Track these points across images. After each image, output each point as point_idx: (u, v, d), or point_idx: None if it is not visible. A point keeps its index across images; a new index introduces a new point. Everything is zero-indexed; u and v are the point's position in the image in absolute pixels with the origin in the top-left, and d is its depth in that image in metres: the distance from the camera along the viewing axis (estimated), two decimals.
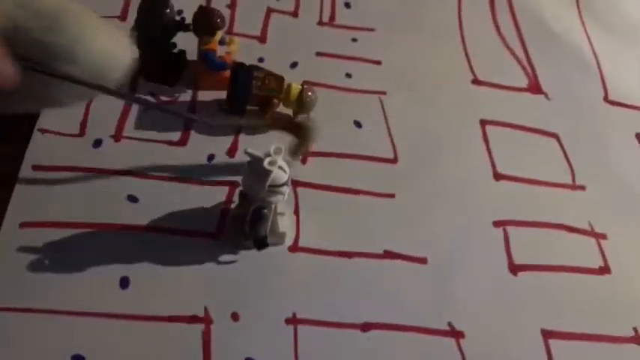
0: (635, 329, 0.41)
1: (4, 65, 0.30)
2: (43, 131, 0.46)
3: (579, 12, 0.60)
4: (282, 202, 0.40)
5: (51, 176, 0.44)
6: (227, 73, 0.48)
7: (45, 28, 0.33)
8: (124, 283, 0.40)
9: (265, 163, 0.36)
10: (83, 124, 0.47)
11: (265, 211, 0.39)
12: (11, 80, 0.31)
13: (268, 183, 0.37)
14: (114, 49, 0.37)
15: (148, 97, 0.49)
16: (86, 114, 0.48)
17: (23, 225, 0.41)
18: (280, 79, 0.47)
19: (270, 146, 0.37)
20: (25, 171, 0.44)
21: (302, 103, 0.47)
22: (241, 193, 0.40)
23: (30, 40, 0.32)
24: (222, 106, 0.49)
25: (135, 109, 0.49)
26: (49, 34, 0.34)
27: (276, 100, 0.47)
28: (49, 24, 0.34)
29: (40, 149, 0.46)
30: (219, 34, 0.48)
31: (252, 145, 0.38)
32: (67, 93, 0.37)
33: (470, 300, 0.41)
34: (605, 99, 0.54)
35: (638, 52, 0.58)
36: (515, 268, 0.43)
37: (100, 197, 0.44)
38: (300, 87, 0.47)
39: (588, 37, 0.58)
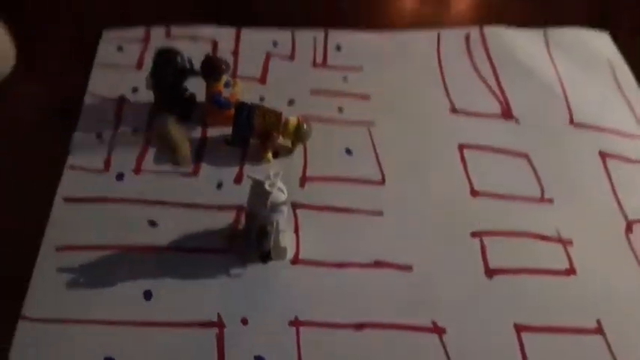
0: (598, 321, 0.45)
1: None
2: (72, 168, 0.52)
3: (548, 47, 0.64)
4: (282, 219, 0.44)
5: (80, 206, 0.49)
6: (232, 111, 0.53)
7: None
8: (148, 295, 0.44)
9: (266, 185, 0.42)
10: (107, 161, 0.52)
11: (268, 227, 0.44)
12: None
13: (269, 202, 0.43)
14: None
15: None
16: (110, 152, 0.53)
17: (59, 249, 0.47)
18: (278, 115, 0.53)
19: (269, 171, 0.43)
20: (58, 203, 0.49)
21: (299, 135, 0.53)
22: (247, 214, 0.45)
23: None
24: (228, 140, 0.54)
25: (153, 146, 0.54)
26: None
27: (275, 133, 0.53)
28: None
29: (70, 184, 0.51)
30: (225, 78, 0.53)
31: (254, 172, 0.44)
32: None
33: (451, 301, 0.45)
34: (571, 122, 0.58)
35: (599, 80, 0.62)
36: (490, 272, 0.47)
37: (123, 223, 0.48)
38: (296, 120, 0.53)
39: (555, 68, 0.62)
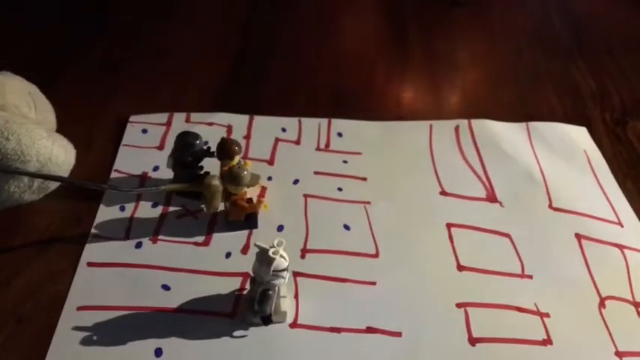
0: None
1: None
2: (96, 237, 0.57)
3: (530, 138, 0.70)
4: (283, 285, 0.48)
5: (102, 271, 0.54)
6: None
7: None
8: (158, 352, 0.48)
9: (270, 253, 0.47)
10: (128, 231, 0.57)
11: (270, 292, 0.48)
12: None
13: (272, 268, 0.47)
14: (58, 150, 0.54)
15: (179, 208, 0.61)
16: (130, 223, 0.58)
17: (80, 308, 0.51)
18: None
19: (274, 240, 0.48)
20: (82, 267, 0.54)
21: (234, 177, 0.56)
22: (251, 279, 0.49)
23: None
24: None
25: (169, 218, 0.59)
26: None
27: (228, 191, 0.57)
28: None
29: (93, 250, 0.55)
30: (237, 159, 0.58)
31: (260, 240, 0.49)
32: (21, 189, 0.50)
33: None
34: (550, 206, 0.62)
35: (576, 169, 0.67)
36: (474, 340, 0.50)
37: (139, 286, 0.53)
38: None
39: (536, 158, 0.68)
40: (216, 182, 0.57)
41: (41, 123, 0.61)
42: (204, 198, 0.58)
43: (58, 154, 0.58)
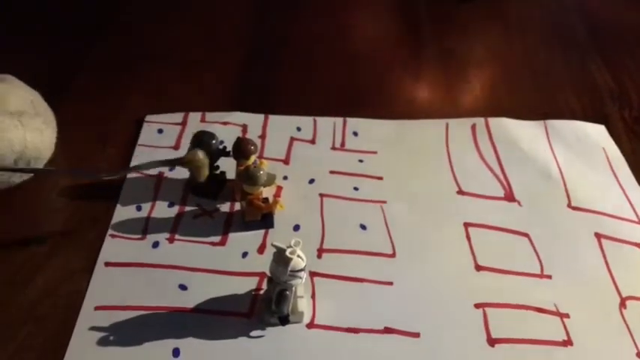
0: None
1: None
2: (113, 236, 0.57)
3: (548, 137, 0.69)
4: (300, 285, 0.48)
5: (119, 270, 0.54)
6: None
7: None
8: (176, 352, 0.48)
9: (287, 253, 0.47)
10: (145, 230, 0.57)
11: (287, 292, 0.48)
12: None
13: (290, 269, 0.47)
14: (32, 135, 0.55)
15: (196, 208, 0.60)
16: (147, 223, 0.58)
17: (97, 308, 0.51)
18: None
19: (290, 240, 0.48)
20: (99, 267, 0.54)
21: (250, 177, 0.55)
22: (268, 279, 0.49)
23: None
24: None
25: (185, 218, 0.59)
26: None
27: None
28: None
29: (110, 250, 0.56)
30: (253, 158, 0.58)
31: (277, 240, 0.49)
32: (7, 176, 0.56)
33: None
34: (569, 205, 0.62)
35: (595, 167, 0.66)
36: (492, 341, 0.50)
37: (157, 286, 0.53)
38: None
39: (555, 157, 0.67)
40: (200, 156, 0.57)
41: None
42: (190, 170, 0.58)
43: (33, 139, 0.57)
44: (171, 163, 0.59)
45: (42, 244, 0.57)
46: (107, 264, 0.55)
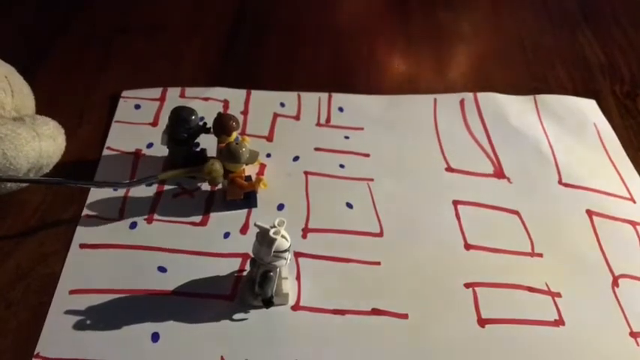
0: None
1: None
2: (88, 217, 0.55)
3: (537, 112, 0.68)
4: (285, 266, 0.47)
5: (95, 252, 0.52)
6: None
7: None
8: (155, 337, 0.46)
9: (271, 233, 0.45)
10: (122, 210, 0.55)
11: (271, 273, 0.46)
12: None
13: (273, 249, 0.45)
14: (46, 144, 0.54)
15: (175, 187, 0.59)
16: (124, 202, 0.56)
17: (72, 292, 0.49)
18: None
19: (274, 220, 0.46)
20: (74, 248, 0.52)
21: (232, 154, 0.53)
22: (252, 260, 0.47)
23: None
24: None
25: (164, 197, 0.57)
26: None
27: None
28: None
29: (85, 231, 0.53)
30: (234, 135, 0.56)
31: (260, 219, 0.47)
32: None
33: (444, 349, 0.47)
34: (559, 182, 0.60)
35: (586, 142, 0.65)
36: (483, 322, 0.49)
37: (135, 268, 0.51)
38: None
39: (545, 131, 0.66)
40: (217, 167, 0.54)
41: (19, 109, 0.58)
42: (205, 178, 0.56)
43: (47, 148, 0.56)
44: (193, 173, 0.57)
45: (14, 226, 0.54)
46: (82, 246, 0.53)
